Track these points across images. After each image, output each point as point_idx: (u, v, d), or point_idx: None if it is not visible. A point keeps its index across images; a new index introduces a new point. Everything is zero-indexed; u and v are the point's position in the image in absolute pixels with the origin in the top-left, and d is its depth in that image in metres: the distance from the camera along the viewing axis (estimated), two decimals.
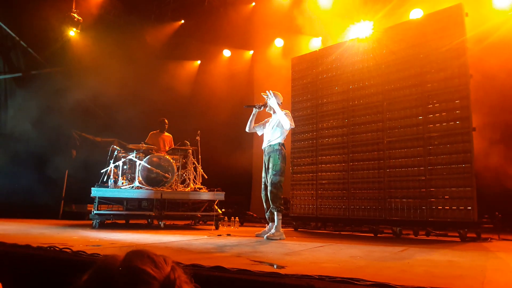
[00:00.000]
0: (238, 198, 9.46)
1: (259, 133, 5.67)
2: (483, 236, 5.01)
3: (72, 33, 9.58)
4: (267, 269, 2.43)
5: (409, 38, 5.88)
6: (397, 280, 2.00)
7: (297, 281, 2.04)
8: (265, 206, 5.40)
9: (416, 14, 7.41)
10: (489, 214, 5.18)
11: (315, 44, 9.34)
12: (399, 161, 5.68)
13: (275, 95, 5.45)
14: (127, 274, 0.80)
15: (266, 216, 5.39)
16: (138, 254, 0.85)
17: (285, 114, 5.25)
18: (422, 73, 5.62)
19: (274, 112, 5.41)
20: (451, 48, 5.36)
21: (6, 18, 9.12)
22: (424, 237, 5.51)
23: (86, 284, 0.82)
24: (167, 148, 7.69)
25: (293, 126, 5.32)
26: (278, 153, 5.21)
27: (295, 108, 7.22)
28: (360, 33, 6.55)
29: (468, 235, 4.93)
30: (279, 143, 5.26)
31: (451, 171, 5.13)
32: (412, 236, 5.62)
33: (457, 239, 5.00)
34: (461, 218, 4.95)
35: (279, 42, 10.18)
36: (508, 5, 6.87)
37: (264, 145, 5.44)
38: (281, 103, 5.49)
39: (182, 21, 10.83)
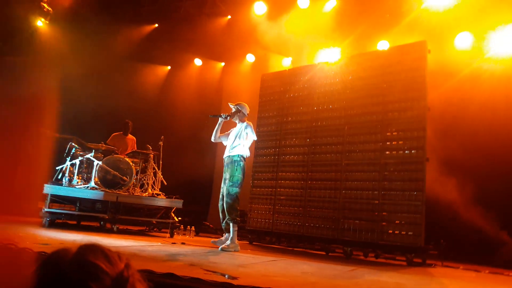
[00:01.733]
0: (196, 208, 9.39)
1: (225, 143, 5.63)
2: (428, 261, 5.25)
3: (40, 23, 9.31)
4: (219, 279, 2.46)
5: (375, 67, 6.13)
6: None
7: None
8: (221, 216, 5.40)
9: (382, 45, 7.75)
10: (434, 241, 5.43)
11: (285, 63, 9.54)
12: (355, 183, 5.87)
13: (242, 106, 5.51)
14: (78, 267, 0.78)
15: (223, 226, 5.39)
16: (91, 248, 0.83)
17: (247, 128, 5.32)
18: (384, 102, 5.87)
19: (240, 121, 5.47)
20: (413, 81, 5.65)
21: None
22: (373, 259, 5.69)
23: (34, 275, 0.80)
24: (128, 151, 7.56)
25: (255, 138, 5.40)
26: (236, 164, 5.23)
27: (260, 123, 7.32)
28: (330, 57, 6.79)
29: (414, 260, 5.15)
30: (240, 155, 5.29)
31: (403, 197, 5.35)
32: (362, 257, 5.79)
33: (404, 263, 5.20)
34: (409, 243, 5.16)
35: (250, 57, 10.31)
36: (468, 46, 7.30)
37: (225, 155, 5.45)
38: (247, 114, 5.56)
39: (156, 25, 10.76)
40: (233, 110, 5.50)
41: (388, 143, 5.70)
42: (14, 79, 8.31)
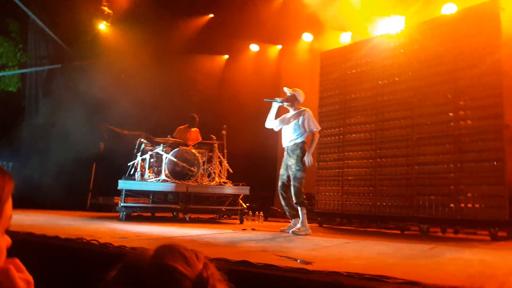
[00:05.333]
0: (263, 193, 9.46)
1: (276, 129, 5.58)
2: None
3: (103, 26, 9.72)
4: (293, 264, 2.42)
5: (442, 33, 5.72)
6: (429, 278, 1.96)
7: (325, 277, 2.03)
8: (283, 203, 5.38)
9: (448, 9, 7.17)
10: None
11: (344, 39, 9.18)
12: (428, 157, 5.56)
13: (298, 93, 5.41)
14: (157, 272, 0.77)
15: (287, 213, 5.38)
16: (169, 250, 0.81)
17: (308, 116, 5.23)
18: (455, 70, 5.47)
19: (294, 108, 5.37)
20: (485, 44, 5.20)
21: (38, 11, 9.34)
22: (453, 235, 5.40)
23: (114, 280, 0.79)
24: (194, 143, 7.75)
25: (319, 128, 5.29)
26: (301, 150, 5.17)
27: (322, 103, 7.16)
28: (391, 28, 6.43)
29: (498, 234, 4.79)
30: (303, 141, 5.23)
31: (482, 169, 4.98)
32: (440, 234, 5.52)
33: (487, 238, 4.86)
34: (492, 216, 4.81)
35: (307, 37, 10.04)
36: None
37: (286, 143, 5.38)
38: (302, 101, 5.45)
39: (211, 15, 10.84)
40: (289, 95, 5.40)
41: (461, 112, 5.32)
42: (84, 83, 8.78)
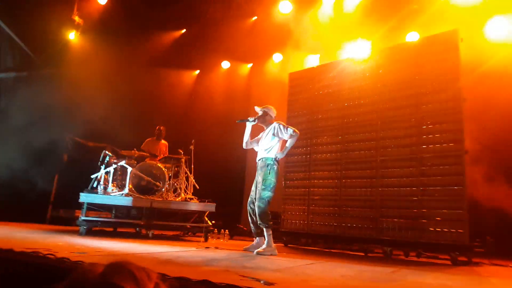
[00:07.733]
0: (229, 210, 9.34)
1: (256, 149, 5.48)
2: (474, 260, 4.98)
3: (72, 36, 9.55)
4: (256, 285, 2.38)
5: (406, 59, 5.95)
6: None
7: None
8: (250, 220, 5.28)
9: (412, 37, 7.48)
10: (481, 238, 5.17)
11: (312, 61, 9.37)
12: (392, 180, 5.68)
13: (268, 109, 5.41)
14: None
15: (253, 231, 5.28)
16: (118, 269, 0.78)
17: (277, 127, 5.20)
18: (418, 94, 5.67)
19: (267, 125, 5.37)
20: (446, 71, 5.45)
21: (5, 17, 9.10)
22: (415, 259, 5.47)
23: None
24: (161, 156, 7.62)
25: (294, 129, 5.15)
26: (270, 167, 5.07)
27: (290, 122, 7.16)
28: (358, 51, 6.62)
29: (459, 258, 4.90)
30: (273, 158, 5.14)
31: (444, 192, 5.13)
32: (403, 257, 5.58)
33: (448, 262, 4.97)
34: (453, 240, 4.93)
35: (277, 57, 10.20)
36: (501, 37, 6.86)
37: (258, 158, 5.33)
38: (274, 116, 5.45)
39: (184, 31, 10.84)
40: (260, 113, 5.40)
41: (424, 136, 5.49)
42: (48, 91, 8.56)
